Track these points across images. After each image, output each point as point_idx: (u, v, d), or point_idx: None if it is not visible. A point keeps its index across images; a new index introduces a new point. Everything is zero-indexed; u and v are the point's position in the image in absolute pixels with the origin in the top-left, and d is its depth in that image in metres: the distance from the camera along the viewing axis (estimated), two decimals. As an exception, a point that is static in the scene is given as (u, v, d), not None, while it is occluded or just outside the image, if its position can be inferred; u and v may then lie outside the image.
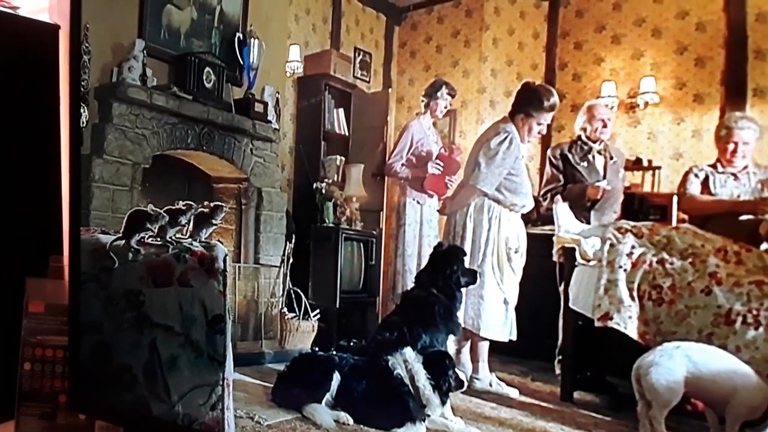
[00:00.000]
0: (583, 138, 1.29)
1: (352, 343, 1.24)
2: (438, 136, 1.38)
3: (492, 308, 1.29)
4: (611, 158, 1.29)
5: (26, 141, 1.50)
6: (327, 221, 1.30)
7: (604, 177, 1.28)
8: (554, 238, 1.23)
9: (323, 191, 1.32)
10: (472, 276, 1.25)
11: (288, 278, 1.26)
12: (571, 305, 1.19)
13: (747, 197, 1.11)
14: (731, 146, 1.11)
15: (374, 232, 1.34)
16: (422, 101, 1.33)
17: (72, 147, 1.30)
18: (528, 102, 1.26)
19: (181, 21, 1.36)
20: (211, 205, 1.21)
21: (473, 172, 1.29)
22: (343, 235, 1.30)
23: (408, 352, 1.14)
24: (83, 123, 1.31)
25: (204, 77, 1.34)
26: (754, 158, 1.11)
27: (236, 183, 1.35)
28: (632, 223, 1.15)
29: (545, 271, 1.24)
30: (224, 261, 1.20)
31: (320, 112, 1.37)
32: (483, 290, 1.28)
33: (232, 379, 1.17)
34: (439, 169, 1.34)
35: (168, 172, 1.33)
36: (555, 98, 1.25)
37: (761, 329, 0.95)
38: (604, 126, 1.28)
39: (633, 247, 1.13)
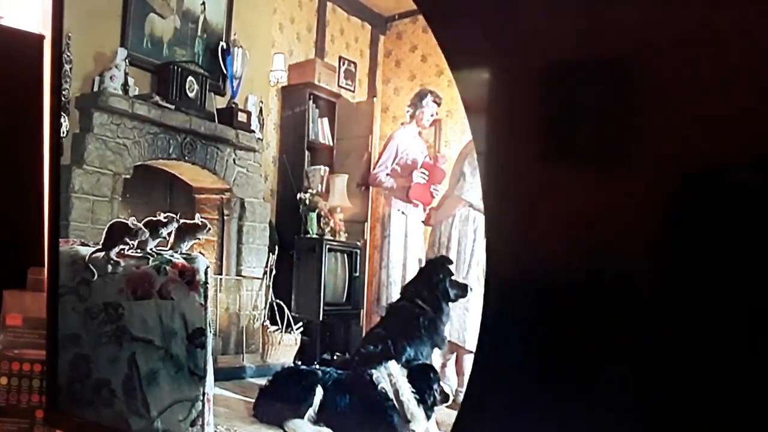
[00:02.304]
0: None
1: (335, 357, 1.22)
2: (424, 145, 1.36)
3: (478, 320, 1.27)
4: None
5: (7, 151, 1.48)
6: (311, 232, 1.28)
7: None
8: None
9: (307, 202, 1.29)
10: (462, 289, 1.23)
11: (270, 290, 1.24)
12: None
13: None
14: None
15: (359, 243, 1.32)
16: (407, 111, 1.32)
17: (52, 157, 1.28)
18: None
19: (164, 30, 1.34)
20: (198, 222, 1.19)
21: (458, 182, 1.27)
22: (327, 246, 1.28)
23: (392, 365, 1.12)
24: (64, 133, 1.29)
25: (187, 86, 1.33)
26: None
27: (218, 193, 1.34)
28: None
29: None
30: (206, 273, 1.19)
31: (304, 122, 1.36)
32: (468, 302, 1.26)
33: (212, 394, 1.15)
34: (424, 178, 1.33)
35: (149, 182, 1.31)
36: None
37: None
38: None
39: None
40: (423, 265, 1.26)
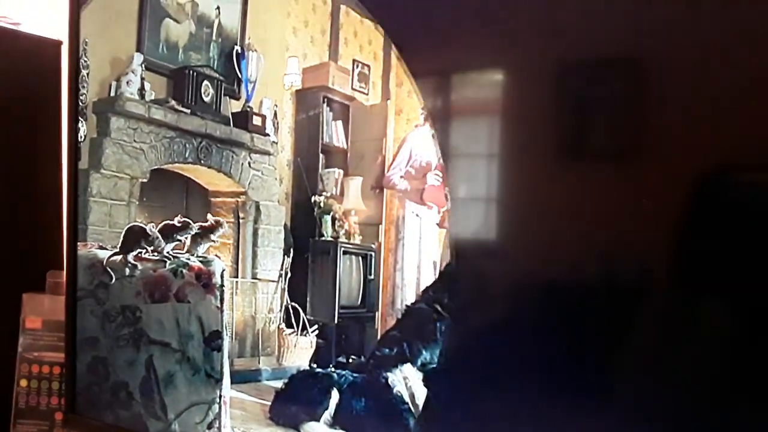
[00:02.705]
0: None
1: (350, 360, 1.21)
2: (438, 147, 1.35)
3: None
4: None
5: (26, 155, 1.50)
6: (325, 235, 1.28)
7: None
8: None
9: (322, 204, 1.29)
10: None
11: (286, 293, 1.24)
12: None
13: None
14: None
15: (373, 246, 1.32)
16: (421, 113, 1.31)
17: (70, 161, 1.30)
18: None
19: (179, 34, 1.35)
20: (212, 222, 1.20)
21: (472, 184, 1.26)
22: (342, 249, 1.28)
23: (407, 368, 1.11)
24: (81, 137, 1.30)
25: (202, 90, 1.33)
26: None
27: (234, 197, 1.34)
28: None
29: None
30: (222, 276, 1.19)
31: (318, 125, 1.35)
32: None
33: (229, 396, 1.16)
34: (438, 180, 1.32)
35: (166, 186, 1.32)
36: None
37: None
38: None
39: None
40: (441, 268, 1.26)
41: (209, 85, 1.34)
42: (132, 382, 1.18)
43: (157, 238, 1.15)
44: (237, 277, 1.31)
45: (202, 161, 1.31)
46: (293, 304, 1.24)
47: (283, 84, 1.37)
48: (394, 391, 1.08)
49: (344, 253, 1.28)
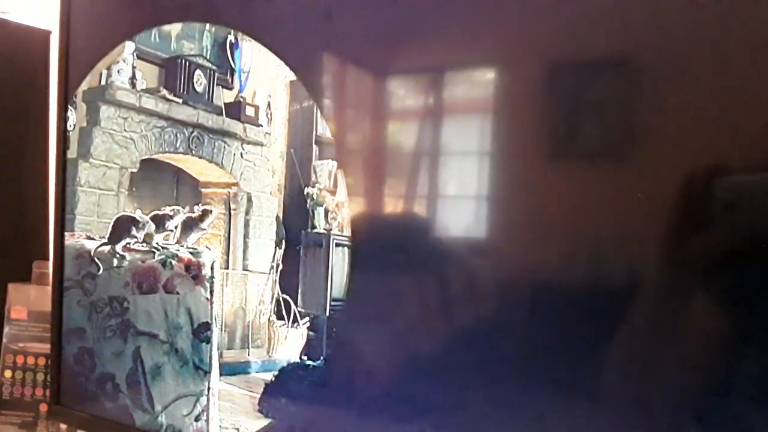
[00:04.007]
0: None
1: (342, 352, 1.21)
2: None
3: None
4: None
5: (12, 145, 1.48)
6: (318, 227, 1.27)
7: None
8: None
9: (314, 196, 1.28)
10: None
11: (277, 285, 1.23)
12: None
13: None
14: None
15: (366, 239, 1.31)
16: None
17: (59, 151, 1.29)
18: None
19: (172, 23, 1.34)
20: (200, 210, 1.19)
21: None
22: (335, 241, 1.27)
23: (399, 361, 1.11)
24: (70, 126, 1.29)
25: (194, 80, 1.32)
26: None
27: (225, 188, 1.33)
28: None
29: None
30: (212, 267, 1.18)
31: (312, 117, 1.35)
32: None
33: (217, 388, 1.14)
34: (432, 175, 1.32)
35: (156, 176, 1.31)
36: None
37: None
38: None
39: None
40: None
41: (202, 74, 1.33)
42: (119, 374, 1.17)
43: (147, 223, 1.14)
44: (228, 268, 1.30)
45: (194, 151, 1.30)
46: (284, 296, 1.23)
47: (277, 75, 1.36)
48: (386, 384, 1.08)
49: (337, 245, 1.27)
